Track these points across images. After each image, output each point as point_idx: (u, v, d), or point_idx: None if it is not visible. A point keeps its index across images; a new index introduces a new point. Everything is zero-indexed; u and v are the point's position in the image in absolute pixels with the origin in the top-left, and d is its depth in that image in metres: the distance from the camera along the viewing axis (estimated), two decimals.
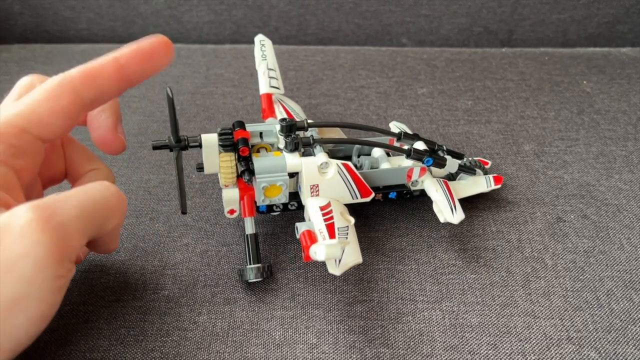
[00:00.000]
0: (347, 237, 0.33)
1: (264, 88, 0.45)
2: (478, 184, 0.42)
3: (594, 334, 0.34)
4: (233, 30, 0.71)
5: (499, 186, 0.42)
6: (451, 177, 0.42)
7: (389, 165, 0.40)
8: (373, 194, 0.38)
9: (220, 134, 0.35)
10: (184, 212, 0.34)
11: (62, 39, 0.71)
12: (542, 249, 0.40)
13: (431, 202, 0.39)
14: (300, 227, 0.34)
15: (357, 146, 0.41)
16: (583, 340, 0.34)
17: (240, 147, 0.35)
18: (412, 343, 0.34)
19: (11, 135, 0.27)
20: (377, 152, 0.41)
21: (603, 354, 0.33)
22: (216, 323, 0.35)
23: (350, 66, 0.63)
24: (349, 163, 0.37)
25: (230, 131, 0.35)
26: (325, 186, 0.36)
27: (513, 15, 0.68)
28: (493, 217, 0.42)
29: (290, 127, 0.36)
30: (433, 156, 0.38)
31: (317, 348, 0.33)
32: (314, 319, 0.35)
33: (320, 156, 0.36)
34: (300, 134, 0.38)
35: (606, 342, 0.33)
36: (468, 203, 0.43)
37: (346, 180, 0.37)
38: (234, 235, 0.41)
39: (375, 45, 0.70)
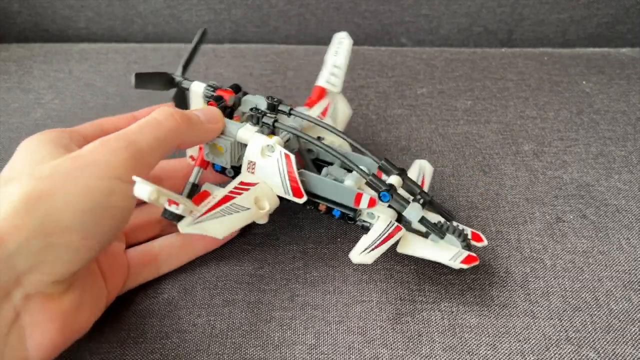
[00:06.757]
0: (231, 214, 0.33)
1: (320, 80, 0.44)
2: (441, 250, 0.34)
3: (593, 334, 0.34)
4: (232, 30, 0.71)
5: (466, 266, 0.32)
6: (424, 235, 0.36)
7: (351, 182, 0.36)
8: (305, 197, 0.35)
9: (207, 86, 0.39)
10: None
11: (61, 38, 0.71)
12: (541, 249, 0.40)
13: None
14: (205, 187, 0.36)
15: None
16: (582, 341, 0.34)
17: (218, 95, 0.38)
18: (411, 344, 0.34)
19: None
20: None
21: (602, 354, 0.33)
22: (215, 325, 0.35)
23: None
24: (292, 157, 0.35)
25: (214, 87, 0.39)
26: (260, 167, 0.36)
27: (513, 15, 0.68)
28: (492, 217, 0.42)
29: (273, 106, 0.38)
30: (394, 196, 0.33)
31: (316, 349, 0.33)
32: (313, 319, 0.35)
33: (271, 139, 0.35)
34: (285, 118, 0.39)
35: (605, 343, 0.34)
36: (467, 203, 0.43)
37: (281, 172, 0.35)
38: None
39: (375, 45, 0.70)
